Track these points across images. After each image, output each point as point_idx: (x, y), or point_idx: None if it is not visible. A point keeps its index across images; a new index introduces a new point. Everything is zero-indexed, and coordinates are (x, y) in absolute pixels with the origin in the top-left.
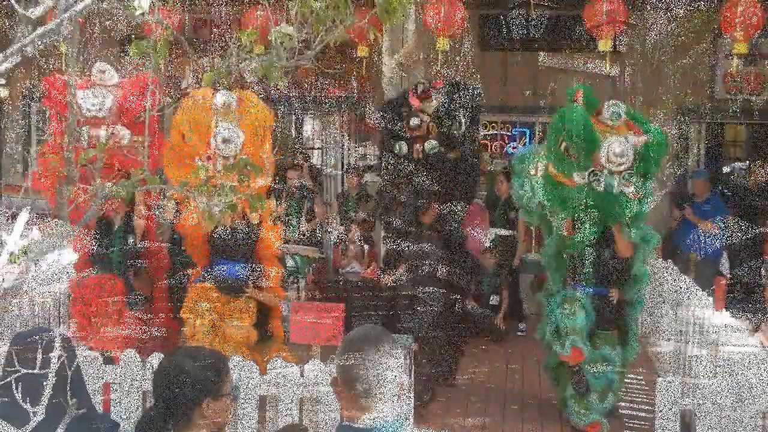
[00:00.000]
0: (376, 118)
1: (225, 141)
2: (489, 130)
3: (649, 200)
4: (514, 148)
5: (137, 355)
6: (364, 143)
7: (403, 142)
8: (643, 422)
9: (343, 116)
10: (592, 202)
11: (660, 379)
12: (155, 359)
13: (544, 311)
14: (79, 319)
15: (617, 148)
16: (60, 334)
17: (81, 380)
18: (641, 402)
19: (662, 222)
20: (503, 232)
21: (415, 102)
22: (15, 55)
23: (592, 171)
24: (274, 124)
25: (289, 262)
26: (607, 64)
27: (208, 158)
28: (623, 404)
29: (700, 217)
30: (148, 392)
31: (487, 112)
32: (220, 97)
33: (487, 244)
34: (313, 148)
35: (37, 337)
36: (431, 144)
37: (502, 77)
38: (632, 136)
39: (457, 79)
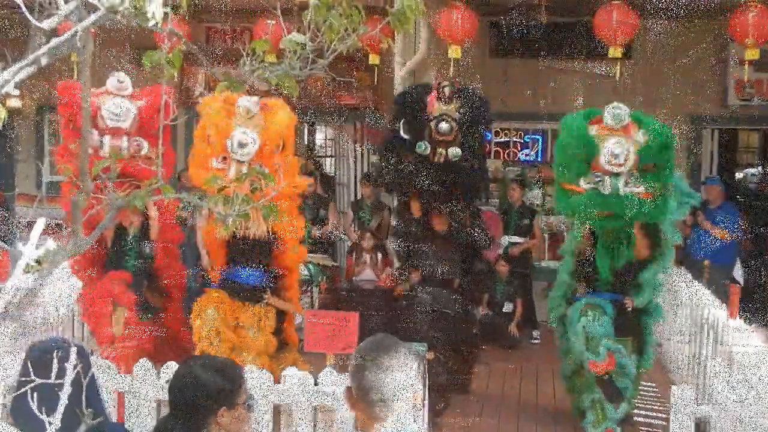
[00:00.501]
0: (389, 114)
1: (240, 145)
2: (501, 138)
3: (670, 198)
4: (526, 155)
5: (151, 365)
6: (377, 151)
7: (425, 141)
8: (657, 430)
9: (355, 124)
10: (601, 206)
11: (674, 387)
12: (169, 369)
13: (561, 319)
14: (91, 326)
15: (615, 149)
16: (75, 345)
17: (96, 389)
18: (656, 410)
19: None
20: (516, 239)
21: (438, 104)
22: (29, 66)
23: (595, 174)
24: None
25: (303, 271)
26: (618, 71)
27: (224, 159)
28: (638, 412)
29: (712, 223)
30: (162, 401)
31: (499, 119)
32: (243, 101)
33: (500, 251)
34: (325, 156)
35: (53, 346)
36: (455, 151)
37: (513, 84)
38: (640, 135)
39: (472, 86)
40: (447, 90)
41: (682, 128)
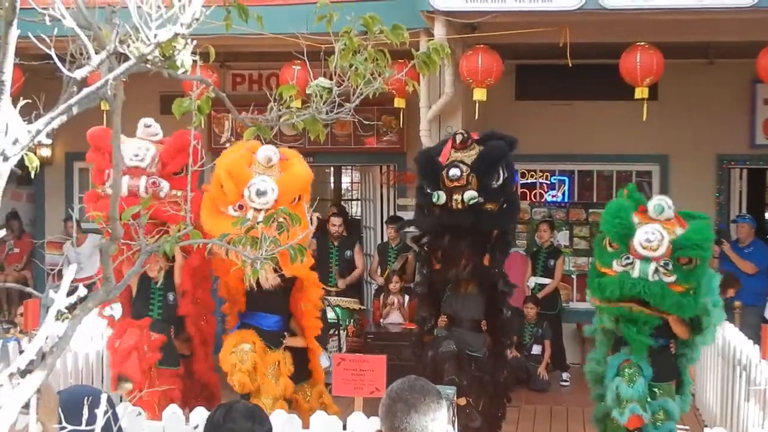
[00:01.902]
0: (414, 169)
1: (260, 193)
2: (528, 179)
3: (708, 294)
4: (553, 196)
5: (180, 411)
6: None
7: (441, 191)
8: None
9: (381, 168)
10: (629, 289)
11: (707, 429)
12: (198, 415)
13: (596, 371)
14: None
15: (650, 233)
16: (105, 393)
17: None
18: None
19: None
20: (544, 280)
21: (452, 152)
22: (62, 114)
23: (627, 256)
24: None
25: (330, 314)
26: (645, 112)
27: (240, 207)
28: None
29: (741, 258)
30: None
31: (526, 160)
32: (263, 151)
33: (529, 293)
34: (351, 200)
35: (82, 393)
36: (471, 194)
37: (539, 126)
38: (679, 228)
39: (493, 129)
40: (458, 138)
41: (710, 168)
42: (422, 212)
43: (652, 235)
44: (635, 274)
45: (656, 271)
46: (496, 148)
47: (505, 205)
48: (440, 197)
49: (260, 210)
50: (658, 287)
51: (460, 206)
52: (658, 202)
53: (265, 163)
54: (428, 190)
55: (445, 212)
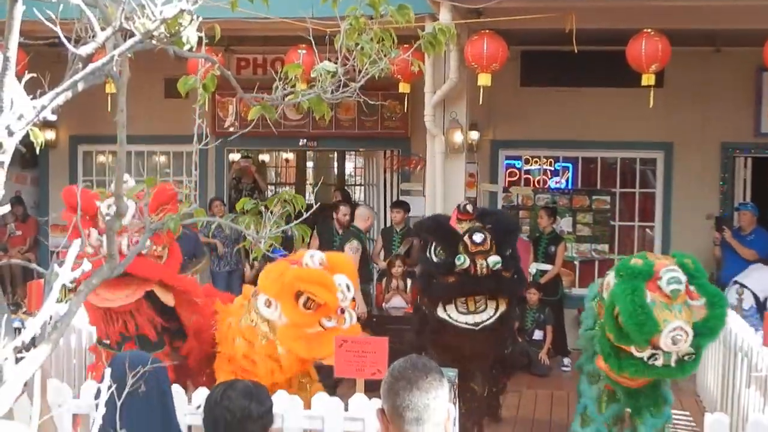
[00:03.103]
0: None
1: (348, 289)
2: (531, 165)
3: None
4: (557, 182)
5: (182, 390)
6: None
7: (464, 255)
8: None
9: (385, 153)
10: (650, 374)
11: (708, 415)
12: (199, 394)
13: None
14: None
15: (678, 336)
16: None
17: (132, 411)
18: None
19: (709, 257)
20: (545, 267)
21: (461, 223)
22: (66, 90)
23: (653, 354)
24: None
25: None
26: (651, 99)
27: (342, 312)
28: None
29: (743, 245)
30: (193, 426)
31: (530, 147)
32: (317, 254)
33: (530, 279)
34: (355, 185)
35: (135, 359)
36: (495, 259)
37: (544, 112)
38: (695, 307)
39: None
40: (469, 207)
41: (715, 156)
42: (431, 280)
43: (679, 336)
44: (659, 363)
45: (678, 359)
46: (509, 218)
47: (515, 276)
48: (465, 261)
49: (346, 306)
50: (678, 370)
51: (485, 271)
52: (671, 276)
53: (321, 266)
54: (442, 256)
55: (467, 277)
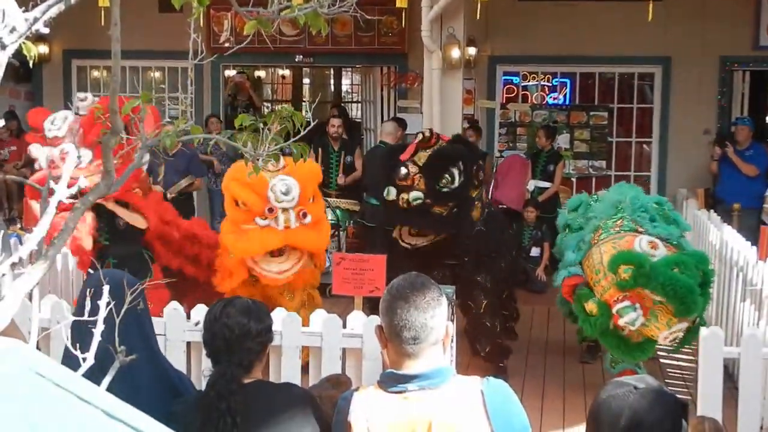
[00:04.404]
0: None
1: (284, 192)
2: (529, 81)
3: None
4: (554, 99)
5: (181, 307)
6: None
7: (392, 187)
8: (685, 372)
9: (381, 69)
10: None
11: (702, 329)
12: (198, 312)
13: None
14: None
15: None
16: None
17: (133, 328)
18: (684, 352)
19: (706, 172)
20: (544, 184)
21: (407, 153)
22: (59, 2)
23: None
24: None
25: (330, 216)
26: (650, 12)
27: (270, 211)
28: (665, 354)
29: (743, 161)
30: (192, 343)
31: (528, 62)
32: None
33: (528, 196)
34: (351, 102)
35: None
36: (415, 195)
37: (541, 27)
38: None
39: (460, 135)
40: (420, 137)
41: (713, 70)
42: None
43: (677, 338)
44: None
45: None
46: (446, 150)
47: (455, 210)
48: (390, 193)
49: (288, 209)
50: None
51: (405, 206)
52: (626, 312)
53: (273, 168)
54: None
55: (394, 209)
